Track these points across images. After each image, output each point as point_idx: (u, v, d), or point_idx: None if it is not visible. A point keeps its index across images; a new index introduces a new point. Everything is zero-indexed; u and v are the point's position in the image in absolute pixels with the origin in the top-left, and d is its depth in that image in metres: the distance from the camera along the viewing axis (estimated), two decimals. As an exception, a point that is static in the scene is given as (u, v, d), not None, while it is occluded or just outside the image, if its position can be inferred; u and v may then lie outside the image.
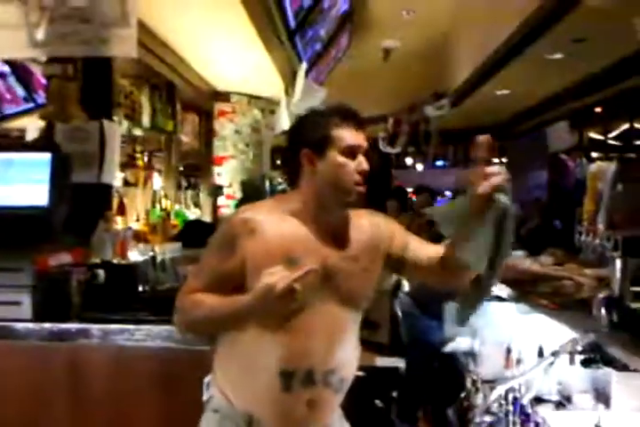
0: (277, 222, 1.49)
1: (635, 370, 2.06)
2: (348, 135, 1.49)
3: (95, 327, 2.18)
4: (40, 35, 2.61)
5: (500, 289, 3.47)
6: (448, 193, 11.09)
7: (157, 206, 4.20)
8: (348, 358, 1.56)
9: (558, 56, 4.94)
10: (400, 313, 4.09)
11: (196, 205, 4.98)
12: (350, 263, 1.50)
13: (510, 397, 2.06)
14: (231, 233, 1.49)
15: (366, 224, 1.58)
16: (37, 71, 4.80)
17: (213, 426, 1.55)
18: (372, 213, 1.65)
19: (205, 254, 1.55)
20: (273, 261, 1.40)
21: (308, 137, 1.51)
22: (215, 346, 1.61)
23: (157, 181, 4.19)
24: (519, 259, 3.79)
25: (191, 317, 1.52)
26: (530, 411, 2.06)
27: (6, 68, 5.31)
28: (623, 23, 3.73)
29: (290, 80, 4.96)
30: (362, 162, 1.49)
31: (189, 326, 1.59)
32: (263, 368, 1.47)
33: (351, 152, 1.49)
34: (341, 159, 1.48)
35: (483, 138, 1.37)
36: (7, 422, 2.18)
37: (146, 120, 3.96)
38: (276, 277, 1.33)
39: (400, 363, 4.29)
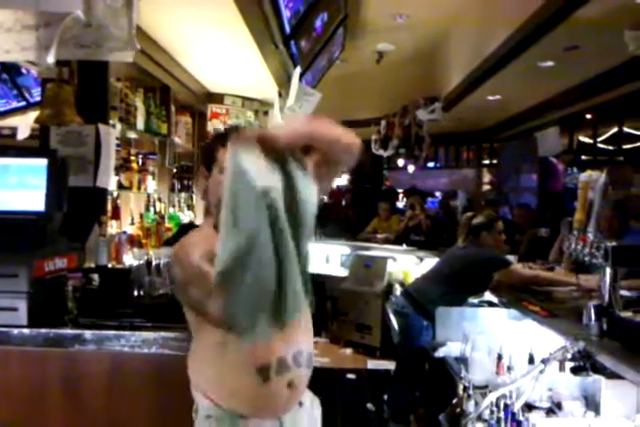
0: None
1: (624, 378, 2.10)
2: None
3: (90, 333, 2.19)
4: (37, 38, 2.60)
5: (492, 295, 3.52)
6: (438, 193, 11.17)
7: (151, 210, 4.18)
8: (307, 334, 1.64)
9: (550, 64, 4.99)
10: (392, 314, 4.13)
11: (189, 207, 4.95)
12: None
13: (502, 404, 2.10)
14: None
15: None
16: (29, 70, 4.78)
17: None
18: None
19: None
20: None
21: (203, 156, 1.68)
22: (187, 353, 1.65)
23: (151, 184, 4.17)
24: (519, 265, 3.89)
25: None
26: (521, 418, 2.10)
27: (-3, 66, 5.27)
28: (614, 33, 3.79)
29: (284, 83, 4.97)
30: None
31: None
32: (238, 369, 1.51)
33: None
34: (222, 178, 1.49)
35: None
36: (2, 427, 2.19)
37: (140, 123, 3.94)
38: None
39: (391, 366, 4.32)
